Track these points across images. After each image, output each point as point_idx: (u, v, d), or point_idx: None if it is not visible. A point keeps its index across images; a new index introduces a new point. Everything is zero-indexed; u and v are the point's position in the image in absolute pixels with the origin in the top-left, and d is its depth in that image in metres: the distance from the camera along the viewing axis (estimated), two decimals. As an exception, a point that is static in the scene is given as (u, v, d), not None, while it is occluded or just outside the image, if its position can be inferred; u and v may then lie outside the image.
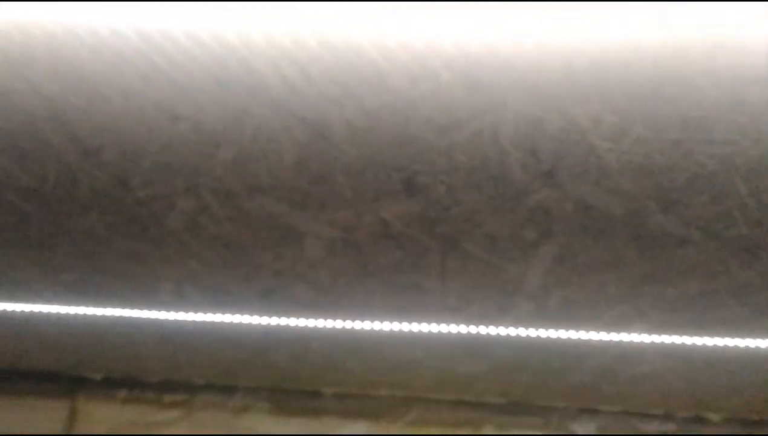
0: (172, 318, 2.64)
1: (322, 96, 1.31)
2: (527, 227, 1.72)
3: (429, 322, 2.57)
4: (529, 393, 3.67)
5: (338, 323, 2.65)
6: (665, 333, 2.50)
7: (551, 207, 1.61)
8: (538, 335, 2.58)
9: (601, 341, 2.58)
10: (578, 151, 1.37)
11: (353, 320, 2.59)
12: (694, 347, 2.60)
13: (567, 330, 2.53)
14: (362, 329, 2.65)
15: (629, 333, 2.53)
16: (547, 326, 2.49)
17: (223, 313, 2.55)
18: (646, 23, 1.05)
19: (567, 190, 1.53)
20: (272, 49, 1.23)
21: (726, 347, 2.60)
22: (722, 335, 2.49)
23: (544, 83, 1.18)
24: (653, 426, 4.09)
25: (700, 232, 1.69)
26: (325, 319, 2.63)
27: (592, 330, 2.52)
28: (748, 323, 2.33)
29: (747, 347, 2.61)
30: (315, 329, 2.74)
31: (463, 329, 2.61)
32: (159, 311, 2.57)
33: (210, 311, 2.55)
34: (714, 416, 3.97)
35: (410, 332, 2.67)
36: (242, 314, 2.57)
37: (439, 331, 2.64)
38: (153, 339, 2.74)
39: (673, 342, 2.56)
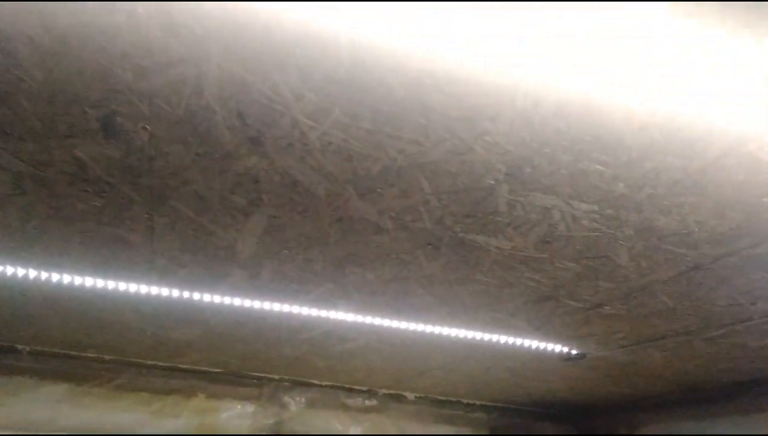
0: None
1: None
2: (237, 193, 1.71)
3: (138, 282, 2.43)
4: (244, 364, 3.71)
5: (31, 273, 2.37)
6: (367, 314, 2.70)
7: (260, 176, 1.62)
8: (252, 305, 2.60)
9: (310, 316, 2.70)
10: (283, 124, 1.40)
11: (48, 271, 2.33)
12: (390, 328, 2.85)
13: (280, 303, 2.59)
14: (59, 281, 2.39)
15: (336, 311, 2.69)
16: (260, 298, 2.53)
17: None
18: (343, 10, 1.10)
19: (274, 161, 1.55)
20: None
21: (418, 331, 2.91)
22: (414, 320, 2.78)
23: (247, 44, 1.17)
24: (359, 401, 4.45)
25: (393, 222, 1.85)
26: (15, 266, 2.32)
27: (303, 305, 2.62)
28: (434, 310, 2.63)
29: (436, 333, 2.95)
30: (4, 277, 2.41)
31: (175, 293, 2.52)
32: None
33: None
34: (410, 395, 4.45)
35: (117, 290, 2.50)
36: None
37: (149, 293, 2.51)
38: None
39: (373, 323, 2.79)
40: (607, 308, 2.48)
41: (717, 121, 1.31)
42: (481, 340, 3.01)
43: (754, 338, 2.77)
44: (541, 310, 2.57)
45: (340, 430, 4.31)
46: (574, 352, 3.13)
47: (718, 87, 1.21)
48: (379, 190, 1.68)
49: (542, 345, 3.06)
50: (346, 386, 4.19)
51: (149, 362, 3.69)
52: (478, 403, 4.57)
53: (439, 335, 2.97)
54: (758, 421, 3.55)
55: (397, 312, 2.66)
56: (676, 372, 3.45)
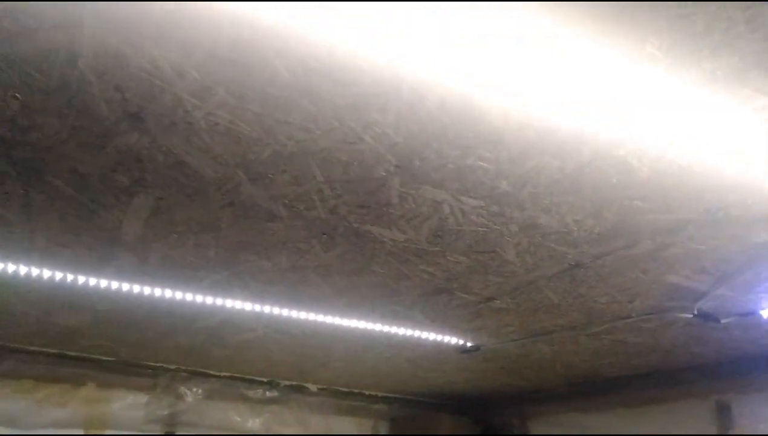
0: None
1: None
2: (119, 171, 1.63)
3: (16, 262, 2.28)
4: (137, 352, 3.57)
5: None
6: (265, 303, 2.67)
7: (142, 154, 1.55)
8: (141, 291, 2.50)
9: (205, 304, 2.63)
10: (165, 100, 1.35)
11: None
12: (289, 319, 2.83)
13: (171, 290, 2.51)
14: (-75, 259, 2.21)
15: (233, 300, 2.63)
16: (150, 283, 2.44)
17: None
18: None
19: (157, 139, 1.49)
20: None
21: (318, 322, 2.90)
22: (313, 310, 2.77)
23: (122, 15, 1.12)
24: (259, 392, 4.38)
25: (287, 209, 1.83)
26: None
27: (197, 293, 2.55)
28: (332, 301, 2.63)
29: (336, 325, 2.96)
30: None
31: (59, 275, 2.39)
32: None
33: None
34: (312, 386, 4.44)
35: (-7, 271, 2.33)
36: None
37: (30, 274, 2.36)
38: None
39: (272, 312, 2.75)
40: (498, 301, 2.57)
41: (586, 126, 1.38)
42: (381, 331, 3.04)
43: (633, 334, 2.96)
44: (436, 302, 2.63)
45: (238, 422, 4.24)
46: (469, 344, 3.23)
47: (586, 95, 1.27)
48: (270, 175, 1.66)
49: (439, 337, 3.14)
50: (246, 377, 4.12)
51: (33, 348, 3.48)
52: (379, 394, 4.62)
53: (340, 327, 2.97)
54: (640, 414, 3.79)
55: (296, 302, 2.64)
56: (564, 366, 3.63)
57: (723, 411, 3.34)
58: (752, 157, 1.47)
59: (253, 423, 4.29)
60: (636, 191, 1.67)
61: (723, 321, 2.60)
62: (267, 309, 2.71)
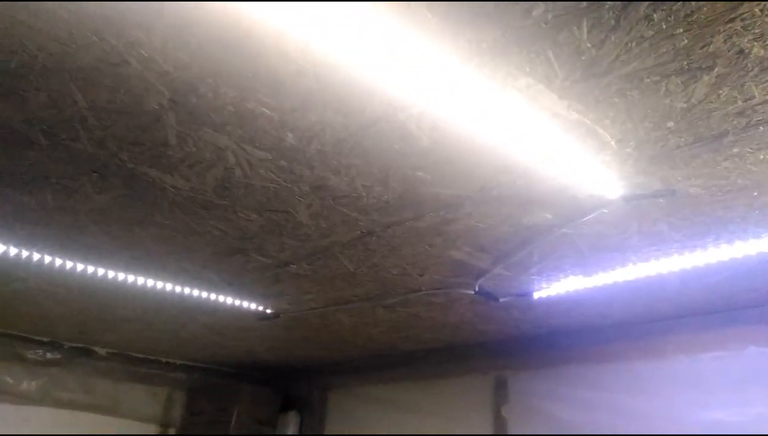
0: None
1: None
2: None
3: None
4: None
5: None
6: (32, 248, 2.37)
7: None
8: None
9: (-43, 245, 2.29)
10: None
11: None
12: (63, 270, 2.55)
13: None
14: None
15: (-8, 242, 2.31)
16: None
17: None
18: None
19: None
20: None
21: (99, 276, 2.65)
22: (92, 262, 2.52)
23: None
24: (39, 353, 3.96)
25: (46, 137, 1.62)
26: None
27: (-55, 230, 2.20)
28: (114, 253, 2.41)
29: (121, 281, 2.73)
30: None
31: None
32: None
33: None
34: (100, 350, 4.11)
35: None
36: None
37: None
38: None
39: (42, 260, 2.46)
40: (294, 266, 2.54)
41: (366, 83, 1.35)
42: (173, 292, 2.87)
43: (425, 309, 3.09)
44: (231, 263, 2.52)
45: (11, 384, 3.80)
46: (268, 311, 3.17)
47: (362, 47, 1.24)
48: (22, 92, 1.44)
49: (237, 302, 3.04)
50: (23, 335, 3.70)
51: None
52: (177, 362, 4.42)
53: (125, 284, 2.75)
54: (429, 387, 4.00)
55: (70, 251, 2.39)
56: (364, 338, 3.72)
57: (500, 386, 3.64)
58: (519, 138, 1.55)
59: (29, 386, 3.88)
60: (418, 161, 1.70)
61: (501, 300, 2.80)
62: (35, 256, 2.42)
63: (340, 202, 1.96)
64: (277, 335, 3.63)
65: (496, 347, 3.64)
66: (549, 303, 2.85)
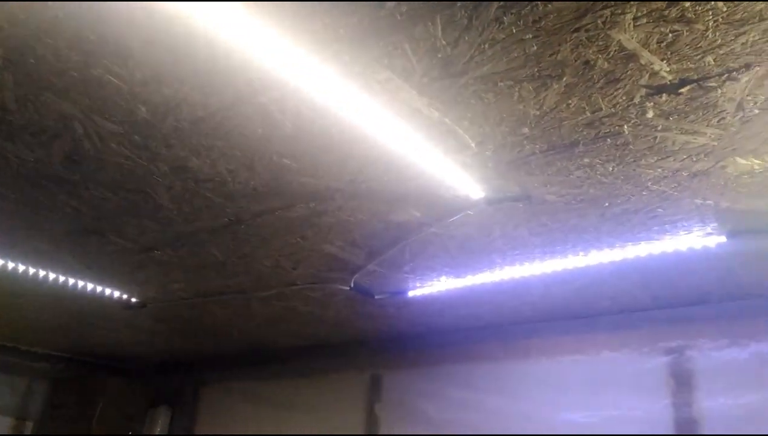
0: None
1: None
2: None
3: None
4: None
5: None
6: None
7: None
8: None
9: None
10: None
11: None
12: None
13: None
14: None
15: None
16: None
17: None
18: None
19: None
20: None
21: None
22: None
23: None
24: None
25: None
26: None
27: None
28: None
29: (5, 267, 2.48)
30: None
31: None
32: None
33: None
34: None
35: None
36: None
37: None
38: None
39: None
40: (158, 252, 2.41)
41: (235, 61, 1.29)
42: (27, 273, 2.65)
43: (302, 303, 3.04)
44: (87, 245, 2.36)
45: None
46: (133, 299, 3.00)
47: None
48: None
49: (99, 288, 2.85)
50: None
51: None
52: (40, 351, 4.10)
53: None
54: (306, 384, 3.93)
55: None
56: (240, 332, 3.62)
57: (374, 384, 3.65)
58: (383, 133, 1.55)
59: None
60: (283, 147, 1.65)
61: (377, 297, 2.81)
62: None
63: (204, 186, 1.88)
64: (146, 325, 3.45)
65: (373, 345, 3.65)
66: (423, 302, 2.89)
